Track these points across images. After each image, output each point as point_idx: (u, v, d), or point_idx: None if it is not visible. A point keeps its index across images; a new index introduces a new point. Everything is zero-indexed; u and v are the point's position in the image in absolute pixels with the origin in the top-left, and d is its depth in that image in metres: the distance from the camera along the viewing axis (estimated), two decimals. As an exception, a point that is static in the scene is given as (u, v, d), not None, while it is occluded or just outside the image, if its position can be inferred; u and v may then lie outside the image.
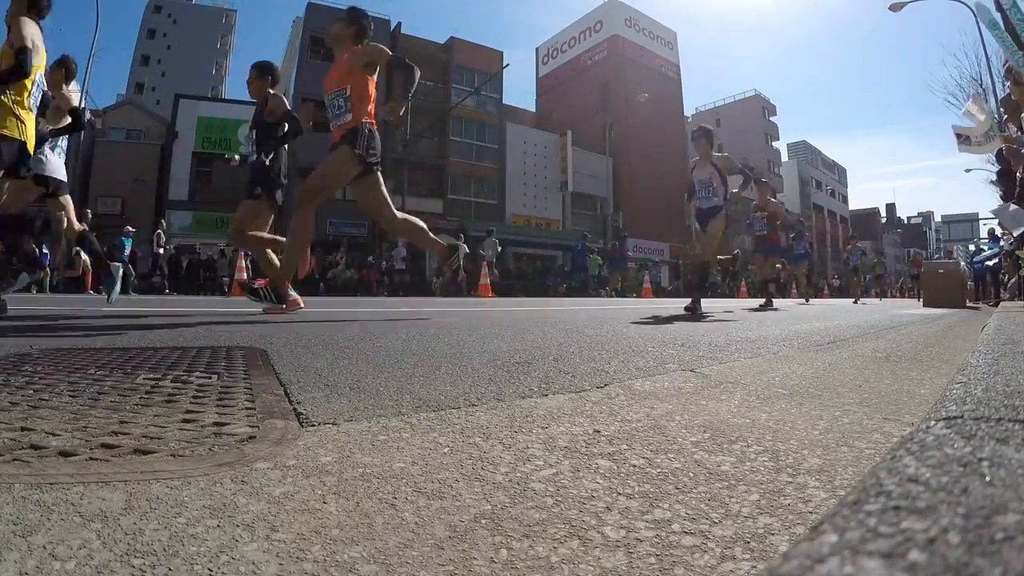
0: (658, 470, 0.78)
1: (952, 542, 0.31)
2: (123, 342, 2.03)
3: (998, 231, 13.42)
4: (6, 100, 3.12)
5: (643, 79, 30.73)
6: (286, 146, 3.99)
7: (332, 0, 24.08)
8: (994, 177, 13.44)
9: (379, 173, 3.72)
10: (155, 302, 6.21)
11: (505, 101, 28.31)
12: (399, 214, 3.93)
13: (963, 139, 9.49)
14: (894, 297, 20.03)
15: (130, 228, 14.29)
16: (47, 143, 4.16)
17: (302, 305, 3.86)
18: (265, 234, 3.96)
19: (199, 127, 21.50)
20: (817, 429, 1.00)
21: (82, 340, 2.08)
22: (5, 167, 3.24)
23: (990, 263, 12.31)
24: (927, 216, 69.46)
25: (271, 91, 3.97)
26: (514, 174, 26.67)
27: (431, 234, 4.03)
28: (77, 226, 4.47)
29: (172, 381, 1.26)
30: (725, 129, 45.60)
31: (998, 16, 7.77)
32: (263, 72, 4.04)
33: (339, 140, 3.58)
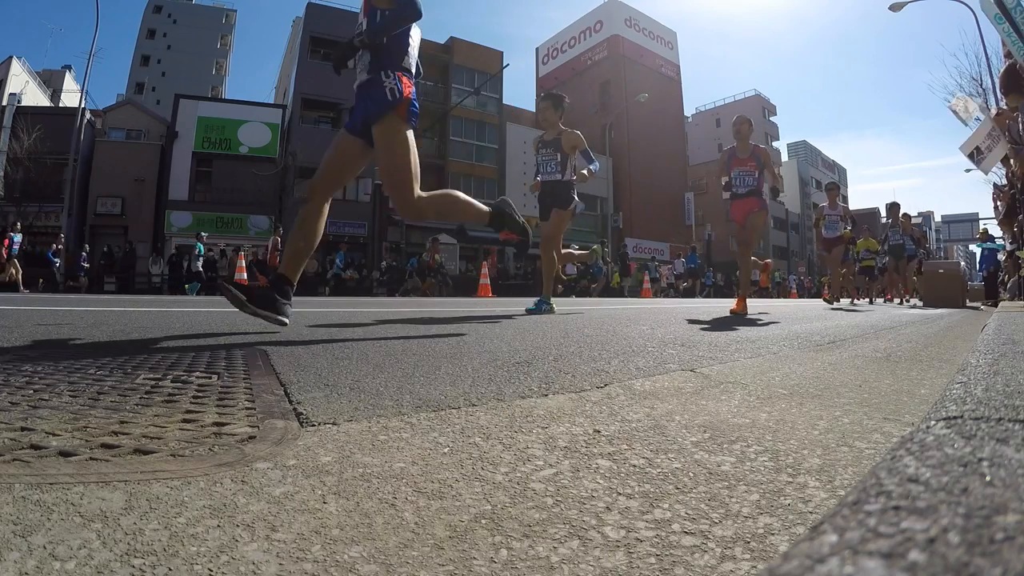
0: (658, 470, 0.78)
1: (952, 542, 0.31)
2: (123, 342, 2.03)
3: (993, 232, 13.64)
4: None
5: (643, 79, 30.74)
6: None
7: (332, 0, 24.14)
8: (996, 180, 13.52)
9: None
10: (155, 302, 6.20)
11: (505, 101, 28.33)
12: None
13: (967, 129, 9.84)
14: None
15: (204, 234, 15.07)
16: None
17: None
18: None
19: (199, 127, 21.52)
20: (817, 429, 1.00)
21: (82, 340, 2.08)
22: None
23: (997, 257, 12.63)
24: (927, 216, 69.47)
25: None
26: (514, 174, 26.67)
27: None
28: None
29: (172, 381, 1.26)
30: (725, 129, 45.59)
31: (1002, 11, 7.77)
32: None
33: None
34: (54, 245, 15.33)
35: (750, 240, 5.49)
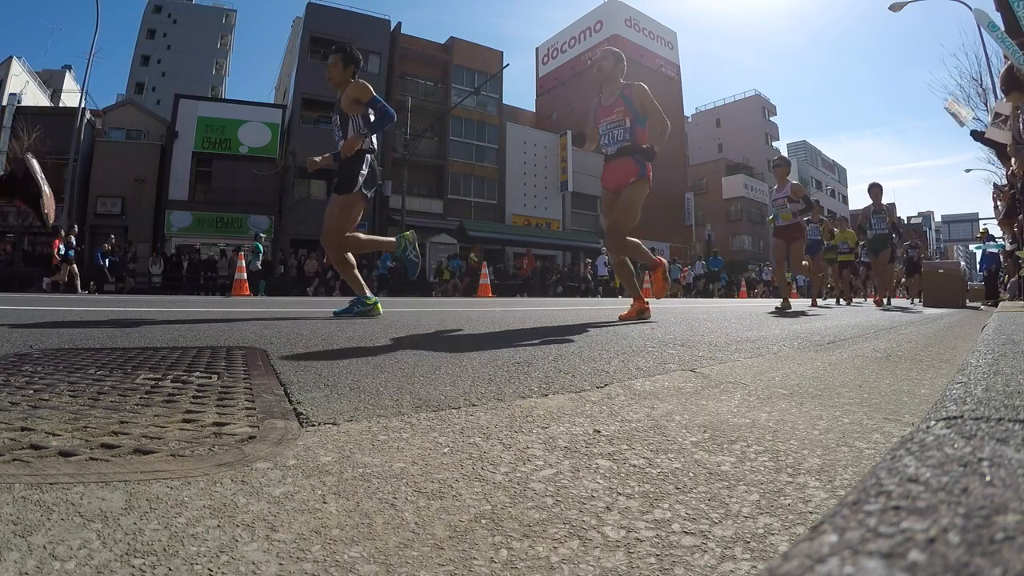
0: (658, 470, 0.78)
1: (952, 542, 0.31)
2: (123, 342, 2.03)
3: (994, 232, 13.53)
4: None
5: (643, 79, 30.71)
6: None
7: (332, 0, 24.15)
8: (995, 180, 13.53)
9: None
10: (155, 302, 6.21)
11: (505, 101, 28.34)
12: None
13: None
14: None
15: (262, 234, 15.44)
16: None
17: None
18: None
19: (199, 127, 21.51)
20: (817, 429, 1.00)
21: (82, 340, 2.08)
22: None
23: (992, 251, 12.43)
24: (927, 216, 69.49)
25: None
26: (514, 174, 26.68)
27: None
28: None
29: (172, 381, 1.26)
30: (725, 129, 45.60)
31: (998, 17, 7.77)
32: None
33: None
34: (105, 245, 15.25)
35: (618, 223, 3.95)
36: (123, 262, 16.23)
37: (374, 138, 3.65)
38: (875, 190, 8.52)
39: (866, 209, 8.80)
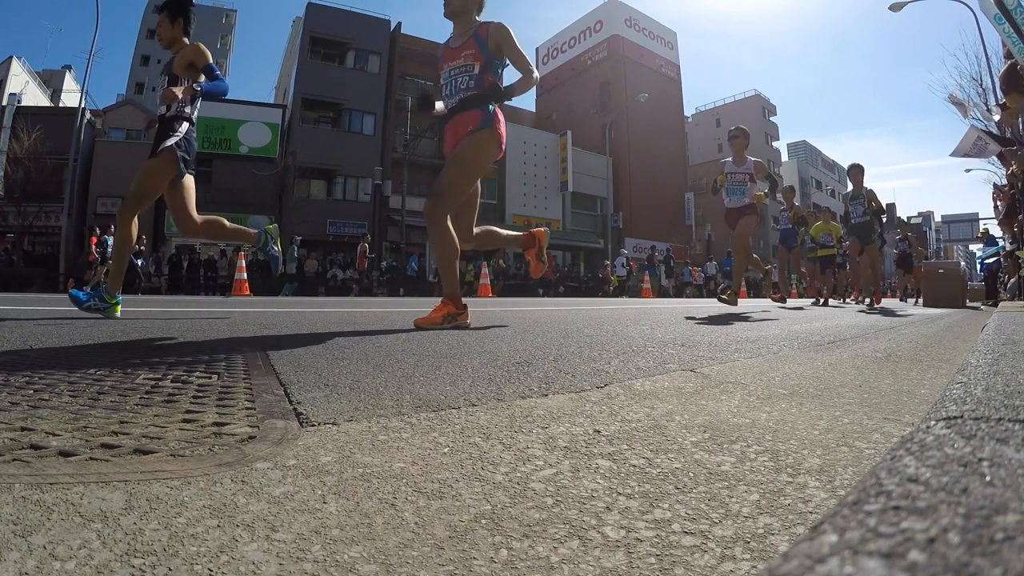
0: (658, 470, 0.78)
1: (952, 542, 0.31)
2: (123, 342, 2.03)
3: (994, 232, 13.54)
4: None
5: (643, 79, 30.73)
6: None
7: (332, 0, 24.15)
8: (995, 180, 13.54)
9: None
10: (155, 302, 6.21)
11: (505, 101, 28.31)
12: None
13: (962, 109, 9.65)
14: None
15: (298, 237, 15.54)
16: None
17: None
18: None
19: (199, 127, 21.23)
20: (817, 429, 1.00)
21: (82, 340, 2.08)
22: None
23: (990, 260, 12.43)
24: (927, 216, 69.50)
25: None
26: (514, 174, 26.67)
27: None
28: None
29: (172, 381, 1.26)
30: (725, 129, 45.52)
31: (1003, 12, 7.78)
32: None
33: None
34: (137, 246, 15.03)
35: (441, 186, 2.93)
36: (158, 262, 16.11)
37: (195, 111, 3.41)
38: (854, 171, 7.60)
39: (845, 196, 7.92)
